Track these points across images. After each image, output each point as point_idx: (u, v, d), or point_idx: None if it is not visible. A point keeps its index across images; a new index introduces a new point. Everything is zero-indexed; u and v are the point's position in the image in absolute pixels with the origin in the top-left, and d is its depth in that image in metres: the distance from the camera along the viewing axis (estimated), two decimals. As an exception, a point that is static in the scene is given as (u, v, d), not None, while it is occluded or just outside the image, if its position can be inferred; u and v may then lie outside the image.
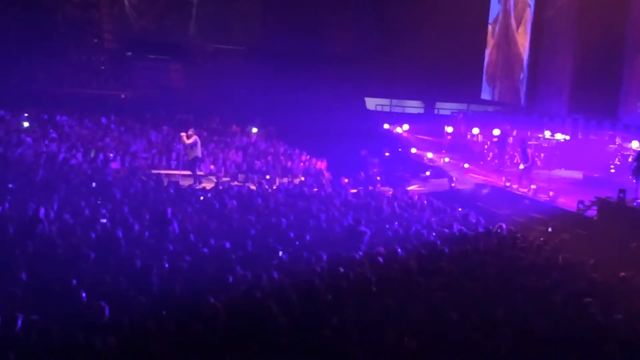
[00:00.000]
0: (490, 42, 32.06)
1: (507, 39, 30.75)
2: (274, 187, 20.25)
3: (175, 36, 33.35)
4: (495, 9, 31.88)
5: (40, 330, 8.23)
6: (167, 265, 11.00)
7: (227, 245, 12.61)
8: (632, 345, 9.22)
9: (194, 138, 21.32)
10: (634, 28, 24.24)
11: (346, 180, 22.02)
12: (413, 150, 27.91)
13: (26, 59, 29.86)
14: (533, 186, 21.10)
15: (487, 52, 32.30)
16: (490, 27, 31.99)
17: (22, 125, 24.16)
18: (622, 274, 12.50)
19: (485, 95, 32.77)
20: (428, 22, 31.00)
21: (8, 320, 8.32)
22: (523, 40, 29.60)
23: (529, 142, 23.65)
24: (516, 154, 24.54)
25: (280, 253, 12.48)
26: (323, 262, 12.01)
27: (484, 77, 32.54)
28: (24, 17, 30.72)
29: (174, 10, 33.41)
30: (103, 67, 31.91)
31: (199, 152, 21.46)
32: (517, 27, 29.98)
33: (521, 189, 21.28)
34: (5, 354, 7.63)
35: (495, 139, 26.78)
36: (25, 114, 25.23)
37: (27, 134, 22.94)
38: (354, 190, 20.39)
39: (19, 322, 8.31)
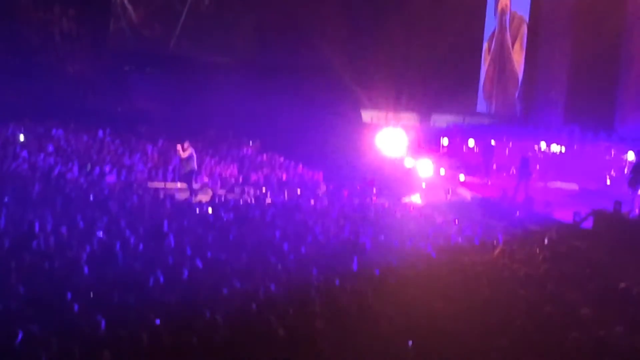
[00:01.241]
0: (487, 58, 32.13)
1: (502, 57, 30.86)
2: (270, 200, 20.22)
3: (170, 49, 33.36)
4: (491, 24, 31.95)
5: (37, 344, 8.20)
6: (163, 279, 10.98)
7: (224, 258, 12.60)
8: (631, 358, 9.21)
9: (190, 151, 21.31)
10: (628, 40, 24.36)
11: (345, 193, 21.99)
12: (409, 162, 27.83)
13: (22, 72, 29.83)
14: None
15: (484, 68, 32.35)
16: (486, 44, 32.05)
17: (18, 138, 24.10)
18: (623, 284, 12.45)
19: (482, 107, 32.82)
20: (424, 35, 31.08)
21: (6, 334, 8.29)
22: (518, 57, 29.71)
23: (529, 154, 23.58)
24: (513, 166, 24.52)
25: (279, 266, 12.48)
26: (318, 275, 11.99)
27: (481, 92, 32.59)
28: (20, 30, 30.76)
29: (167, 22, 33.36)
30: (99, 81, 31.90)
31: (194, 164, 21.45)
32: (513, 44, 30.10)
33: (517, 201, 21.25)
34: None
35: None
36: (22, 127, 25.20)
37: (23, 147, 22.87)
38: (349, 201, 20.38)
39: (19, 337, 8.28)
